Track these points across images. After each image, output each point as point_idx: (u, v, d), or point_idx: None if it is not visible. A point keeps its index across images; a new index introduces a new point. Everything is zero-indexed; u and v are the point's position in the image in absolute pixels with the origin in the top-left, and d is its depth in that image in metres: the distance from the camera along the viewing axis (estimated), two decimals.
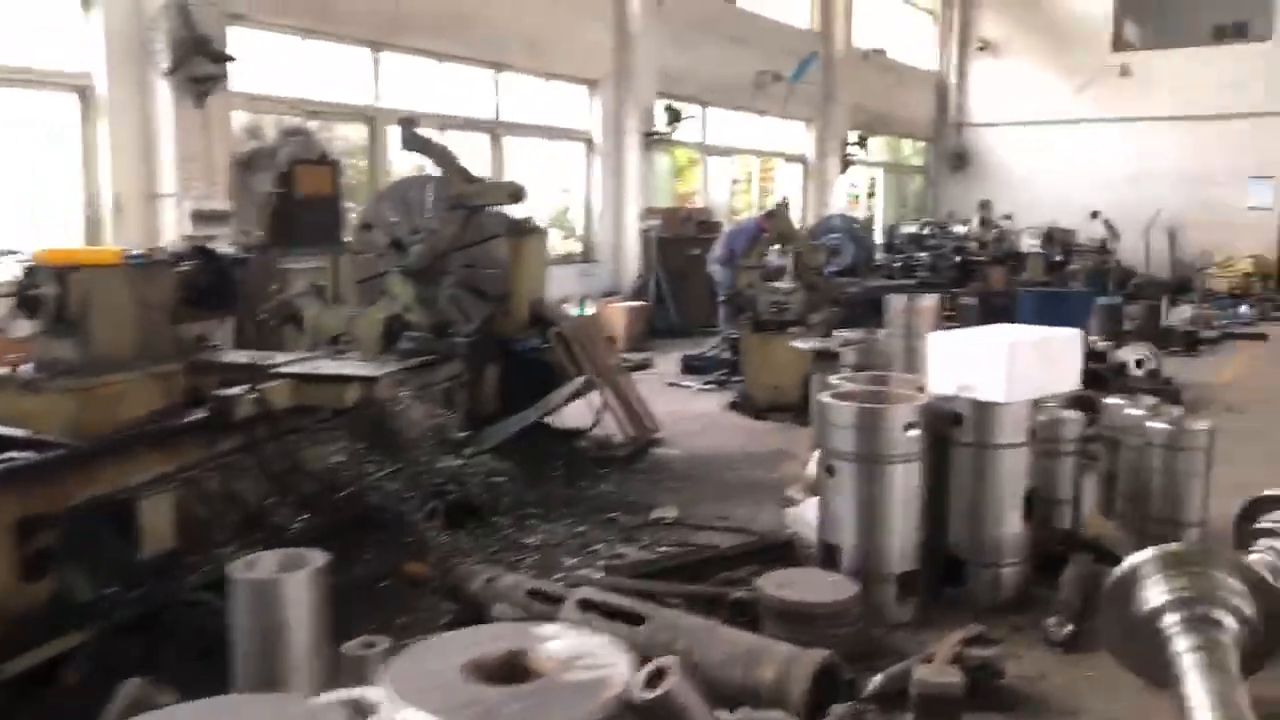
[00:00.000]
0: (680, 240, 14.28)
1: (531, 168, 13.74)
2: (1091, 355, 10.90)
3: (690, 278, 13.79)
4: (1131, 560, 3.71)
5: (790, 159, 19.28)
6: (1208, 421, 5.29)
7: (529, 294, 7.82)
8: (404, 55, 11.40)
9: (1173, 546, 3.74)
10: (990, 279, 14.92)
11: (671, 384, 10.35)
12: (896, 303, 5.84)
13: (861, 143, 19.49)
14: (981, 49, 24.45)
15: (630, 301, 13.43)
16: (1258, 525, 4.33)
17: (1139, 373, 10.37)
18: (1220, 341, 14.02)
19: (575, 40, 13.42)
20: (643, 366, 11.45)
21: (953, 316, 14.64)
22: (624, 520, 5.70)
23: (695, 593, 4.26)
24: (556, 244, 14.43)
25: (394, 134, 7.50)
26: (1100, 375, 9.29)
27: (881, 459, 4.33)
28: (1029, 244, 21.41)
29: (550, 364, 7.19)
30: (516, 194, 6.36)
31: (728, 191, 17.23)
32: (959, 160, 24.91)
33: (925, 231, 16.71)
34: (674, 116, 14.20)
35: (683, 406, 9.25)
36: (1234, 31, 22.81)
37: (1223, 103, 21.72)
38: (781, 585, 4.02)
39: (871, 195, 23.23)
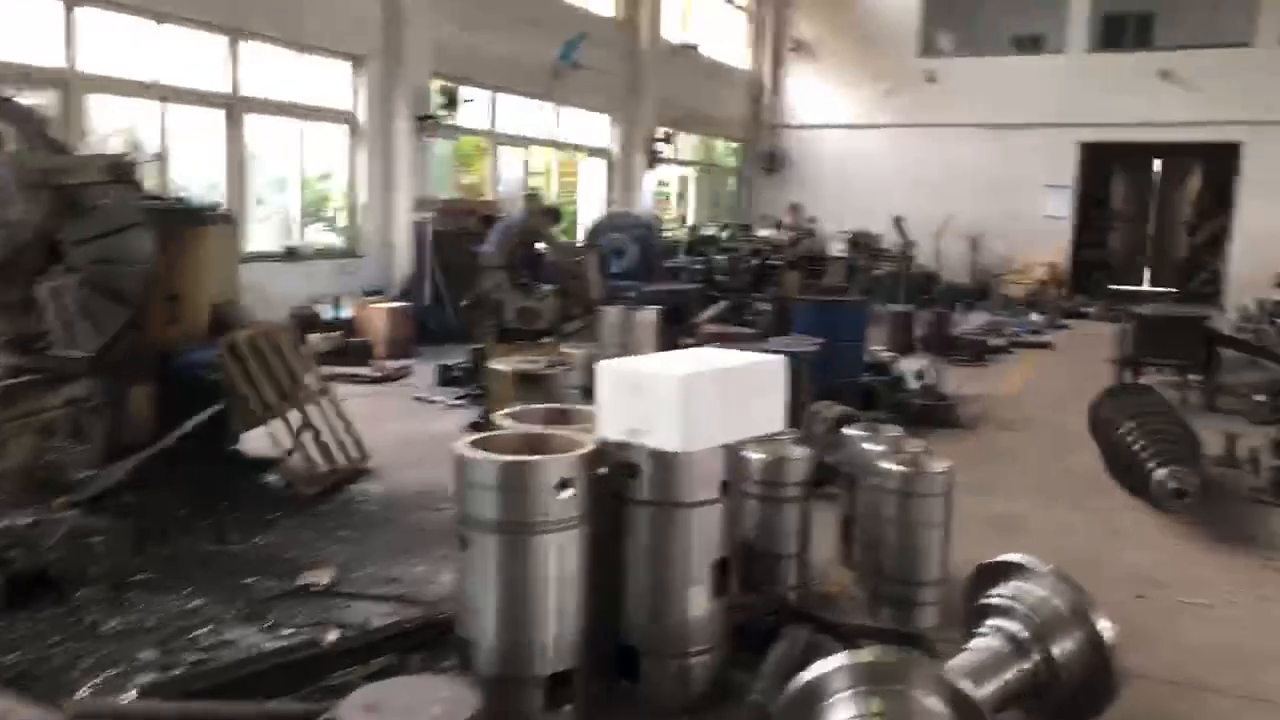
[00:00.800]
0: (461, 235, 13.03)
1: (284, 151, 12.29)
2: (872, 367, 10.40)
3: (473, 276, 12.58)
4: (816, 672, 2.83)
5: (594, 153, 18.35)
6: (946, 462, 4.54)
7: (212, 296, 6.54)
8: (108, 11, 9.78)
9: (866, 655, 2.87)
10: (786, 284, 14.37)
11: (419, 399, 9.17)
12: (610, 316, 4.88)
13: (668, 139, 18.73)
14: (795, 50, 24.21)
15: (398, 302, 12.15)
16: (986, 600, 3.56)
17: (918, 385, 9.87)
18: (1008, 350, 13.88)
19: (335, 10, 12.04)
20: (394, 378, 10.28)
21: (750, 324, 14.08)
22: (259, 589, 4.53)
23: None
24: (316, 237, 13.02)
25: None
26: (873, 391, 8.66)
27: (528, 527, 3.33)
28: (837, 249, 21.36)
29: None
30: (121, 169, 5.07)
31: (522, 185, 16.12)
32: (773, 162, 24.62)
33: (724, 234, 16.03)
34: (450, 99, 13.00)
35: (421, 427, 8.08)
36: (1031, 44, 23.32)
37: (1021, 112, 22.13)
38: (371, 708, 2.96)
39: (683, 196, 22.60)
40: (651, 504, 3.56)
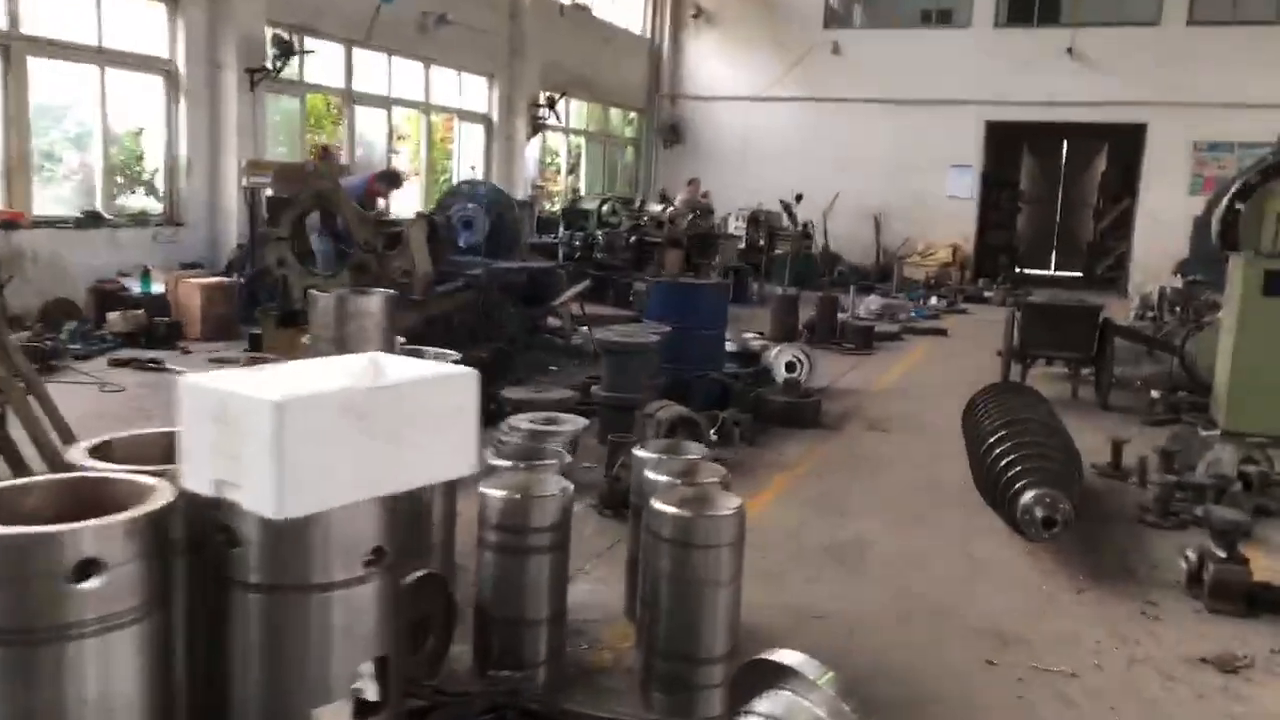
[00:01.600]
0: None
1: (87, 102, 10.78)
2: (740, 357, 9.39)
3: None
4: None
5: (471, 117, 17.03)
6: (735, 501, 3.48)
7: None
8: None
9: None
10: (666, 264, 13.30)
11: None
12: (321, 304, 3.73)
13: (552, 105, 17.49)
14: (696, 16, 23.10)
15: (225, 276, 10.77)
16: (746, 712, 2.51)
17: (791, 378, 8.89)
18: (899, 337, 13.03)
19: None
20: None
21: (629, 305, 13.01)
22: None
23: None
24: (130, 201, 11.54)
25: None
26: (727, 386, 7.64)
27: (33, 635, 2.17)
28: (735, 226, 20.40)
29: None
30: None
31: (385, 149, 14.77)
32: (673, 134, 23.53)
33: (605, 208, 14.90)
34: (285, 50, 11.59)
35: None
36: (939, 17, 22.56)
37: (927, 88, 21.39)
38: None
39: (575, 167, 21.38)
40: (260, 588, 2.43)
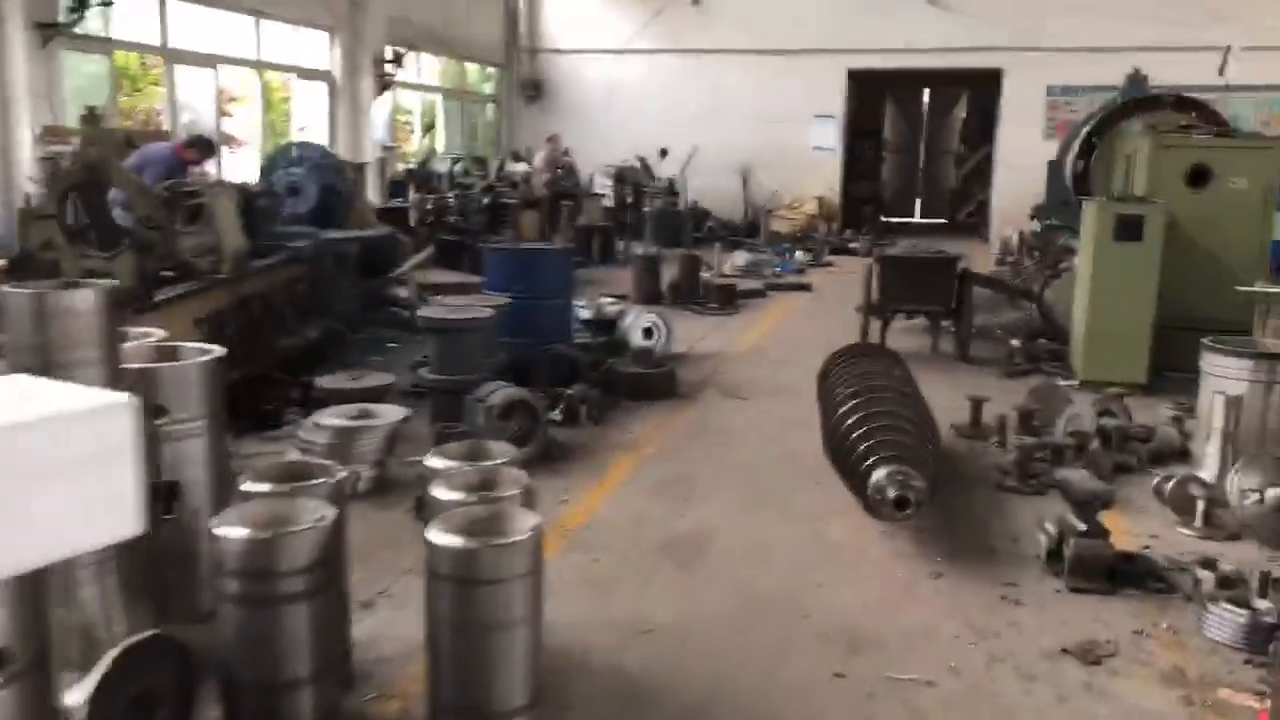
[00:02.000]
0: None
1: None
2: (597, 325, 8.87)
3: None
4: None
5: (311, 75, 15.90)
6: (531, 521, 2.94)
7: None
8: None
9: None
10: (523, 227, 12.64)
11: None
12: (15, 303, 3.01)
13: (399, 60, 16.47)
14: None
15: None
16: None
17: (645, 345, 8.41)
18: (762, 294, 12.70)
19: None
20: None
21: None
22: None
23: None
24: None
25: None
26: (574, 363, 7.09)
27: None
28: (602, 184, 19.79)
29: None
30: None
31: (214, 112, 13.61)
32: (534, 90, 22.68)
33: (457, 168, 14.10)
34: (80, 1, 10.39)
35: None
36: None
37: (788, 38, 21.08)
38: None
39: (432, 127, 20.37)
40: None
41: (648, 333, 8.55)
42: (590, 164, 19.96)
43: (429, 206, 13.57)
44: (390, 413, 5.35)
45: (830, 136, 21.68)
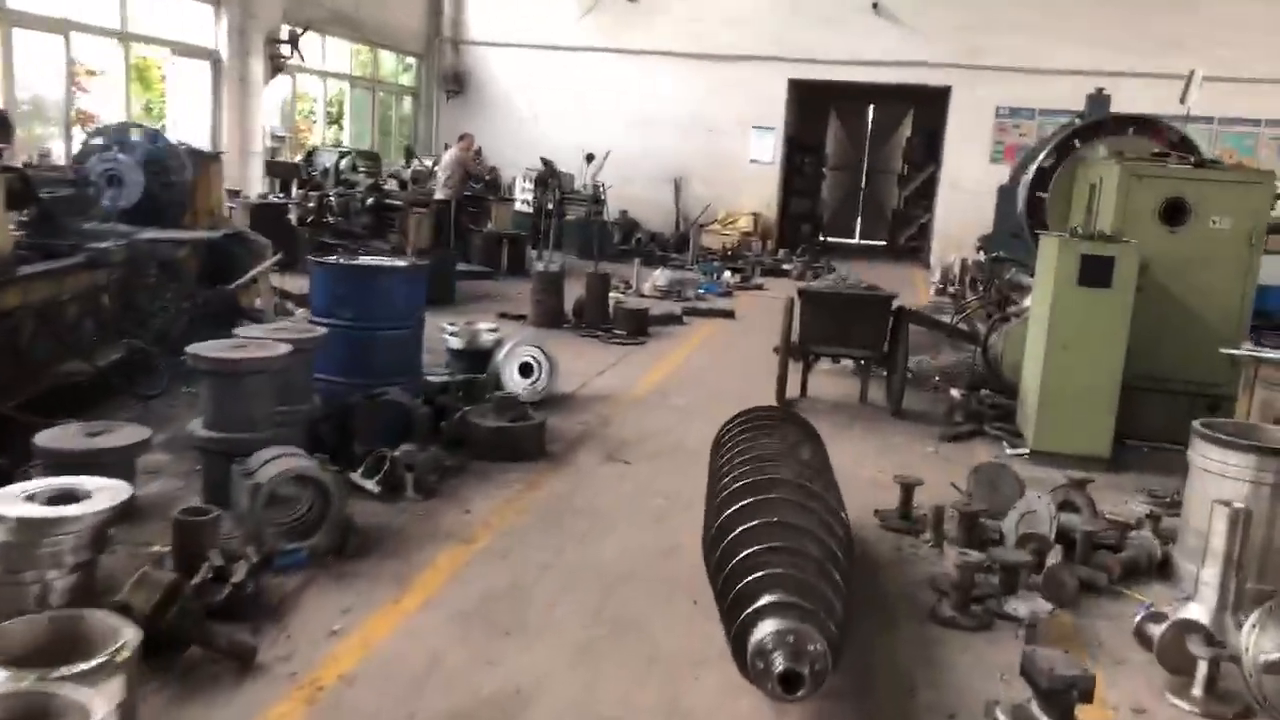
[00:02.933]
0: None
1: None
2: (470, 358, 7.44)
3: None
4: None
5: (191, 52, 14.22)
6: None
7: None
8: None
9: None
10: (411, 231, 11.15)
11: None
12: None
13: (294, 41, 14.87)
14: None
15: None
16: None
17: (526, 386, 7.03)
18: (679, 320, 11.35)
19: None
20: None
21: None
22: None
23: None
24: None
25: None
26: (409, 414, 5.65)
27: None
28: (523, 188, 18.39)
29: None
30: None
31: (64, 85, 11.90)
32: (456, 84, 21.18)
33: (343, 163, 12.55)
34: None
35: None
36: None
37: (729, 42, 19.87)
38: None
39: (339, 119, 18.75)
40: None
41: (525, 369, 7.15)
42: (515, 167, 18.56)
43: (311, 205, 12.04)
44: (108, 492, 3.86)
45: (769, 149, 20.50)
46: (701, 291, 13.75)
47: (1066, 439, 6.45)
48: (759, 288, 15.09)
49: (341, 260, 6.01)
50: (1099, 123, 8.60)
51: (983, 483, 5.42)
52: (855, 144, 27.84)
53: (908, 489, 5.16)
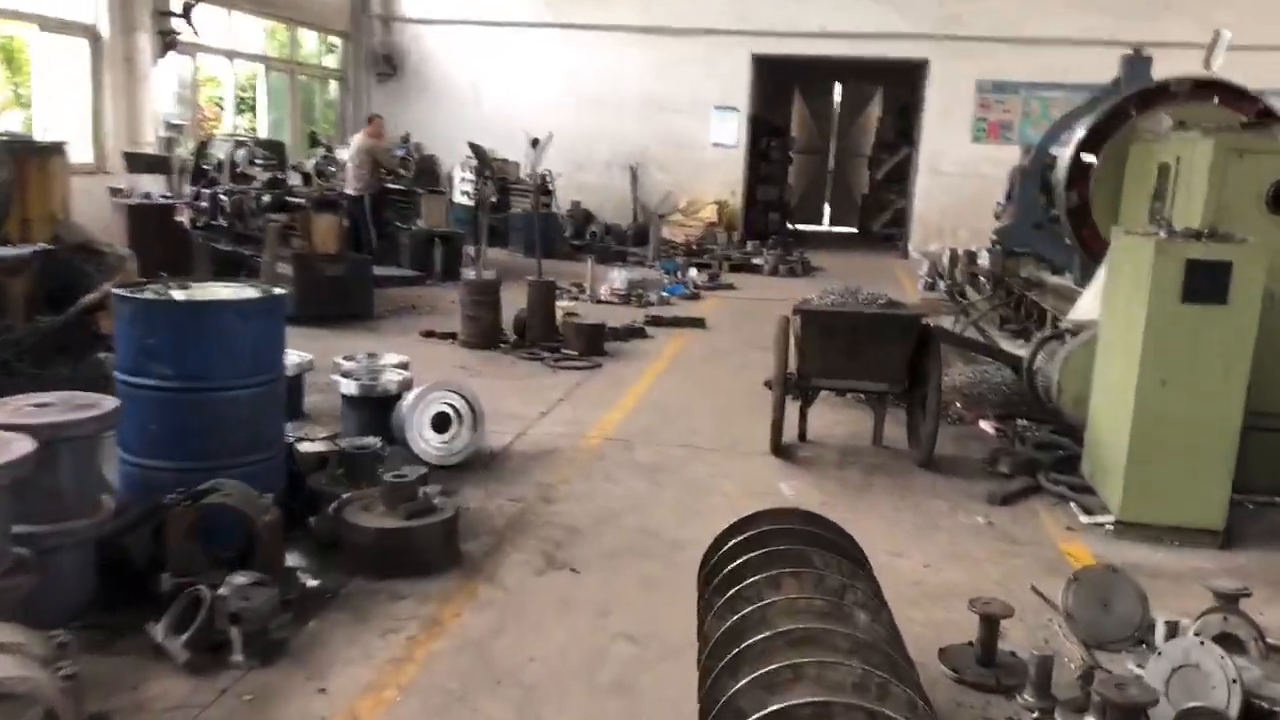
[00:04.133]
0: None
1: None
2: (370, 407, 5.65)
3: None
4: None
5: (65, 29, 12.19)
6: None
7: None
8: None
9: None
10: (315, 234, 9.30)
11: None
12: None
13: (187, 14, 12.88)
14: None
15: None
16: None
17: (441, 446, 5.29)
18: (643, 333, 9.60)
19: None
20: None
21: None
22: None
23: None
24: None
25: None
26: (248, 523, 3.85)
27: None
28: (463, 178, 16.56)
29: None
30: None
31: None
32: (388, 66, 19.22)
33: (239, 154, 10.64)
34: None
35: None
36: None
37: (687, 15, 18.11)
38: None
39: (250, 105, 16.73)
40: None
41: (441, 422, 5.39)
42: (456, 155, 16.68)
43: (204, 205, 10.14)
44: None
45: (732, 132, 18.78)
46: (665, 294, 12.02)
47: (1167, 506, 4.81)
48: (729, 287, 13.39)
49: (154, 293, 4.19)
50: (1160, 88, 6.95)
51: (1087, 597, 3.76)
52: (821, 125, 26.28)
53: (990, 625, 3.47)
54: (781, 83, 22.39)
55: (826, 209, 26.23)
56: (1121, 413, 4.89)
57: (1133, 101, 6.94)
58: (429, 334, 8.90)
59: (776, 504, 5.01)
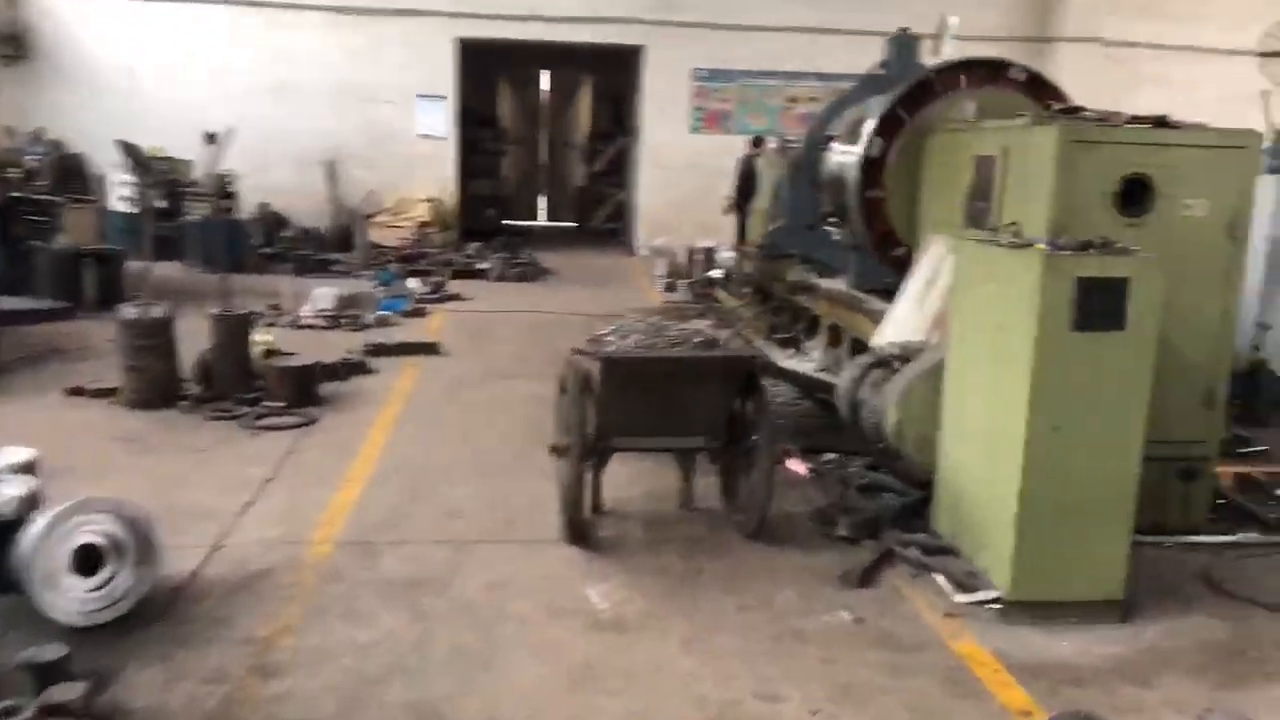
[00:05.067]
0: None
1: None
2: None
3: None
4: None
5: None
6: None
7: None
8: None
9: None
10: None
11: None
12: None
13: None
14: None
15: None
16: None
17: (90, 598, 3.48)
18: (364, 368, 7.91)
19: None
20: None
21: None
22: None
23: None
24: None
25: None
26: None
27: None
28: (121, 182, 13.89)
29: None
30: None
31: None
32: (13, 47, 15.88)
33: None
34: None
35: None
36: None
37: None
38: None
39: None
40: None
41: (89, 560, 3.60)
42: (111, 155, 13.95)
43: None
44: None
45: (441, 122, 17.11)
46: (384, 311, 10.30)
47: (1061, 578, 3.95)
48: (456, 297, 11.84)
49: None
50: (951, 67, 6.20)
51: None
52: (531, 115, 25.06)
53: None
54: (488, 70, 20.94)
55: (542, 203, 25.09)
56: (1003, 467, 3.97)
57: (926, 86, 6.16)
58: (77, 391, 6.77)
59: (589, 623, 3.69)
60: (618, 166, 20.88)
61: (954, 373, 4.48)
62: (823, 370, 6.28)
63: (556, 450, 4.63)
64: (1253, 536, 4.88)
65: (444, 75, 16.92)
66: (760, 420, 4.43)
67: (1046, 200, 4.58)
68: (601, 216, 21.12)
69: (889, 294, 6.98)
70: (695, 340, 4.43)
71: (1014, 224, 4.45)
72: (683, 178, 17.26)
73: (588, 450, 4.42)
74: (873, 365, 5.18)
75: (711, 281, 12.62)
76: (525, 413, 6.64)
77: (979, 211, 5.26)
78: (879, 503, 5.03)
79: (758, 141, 14.41)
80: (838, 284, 7.59)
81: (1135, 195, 4.62)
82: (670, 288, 13.08)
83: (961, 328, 4.44)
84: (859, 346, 7.07)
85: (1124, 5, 16.93)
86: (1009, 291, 3.97)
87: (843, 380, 5.42)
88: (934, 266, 5.51)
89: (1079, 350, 3.79)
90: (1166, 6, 17.15)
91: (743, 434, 4.65)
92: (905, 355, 5.02)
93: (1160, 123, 4.69)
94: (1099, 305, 3.76)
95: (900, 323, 5.54)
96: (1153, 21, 16.98)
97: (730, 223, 14.79)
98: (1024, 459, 3.85)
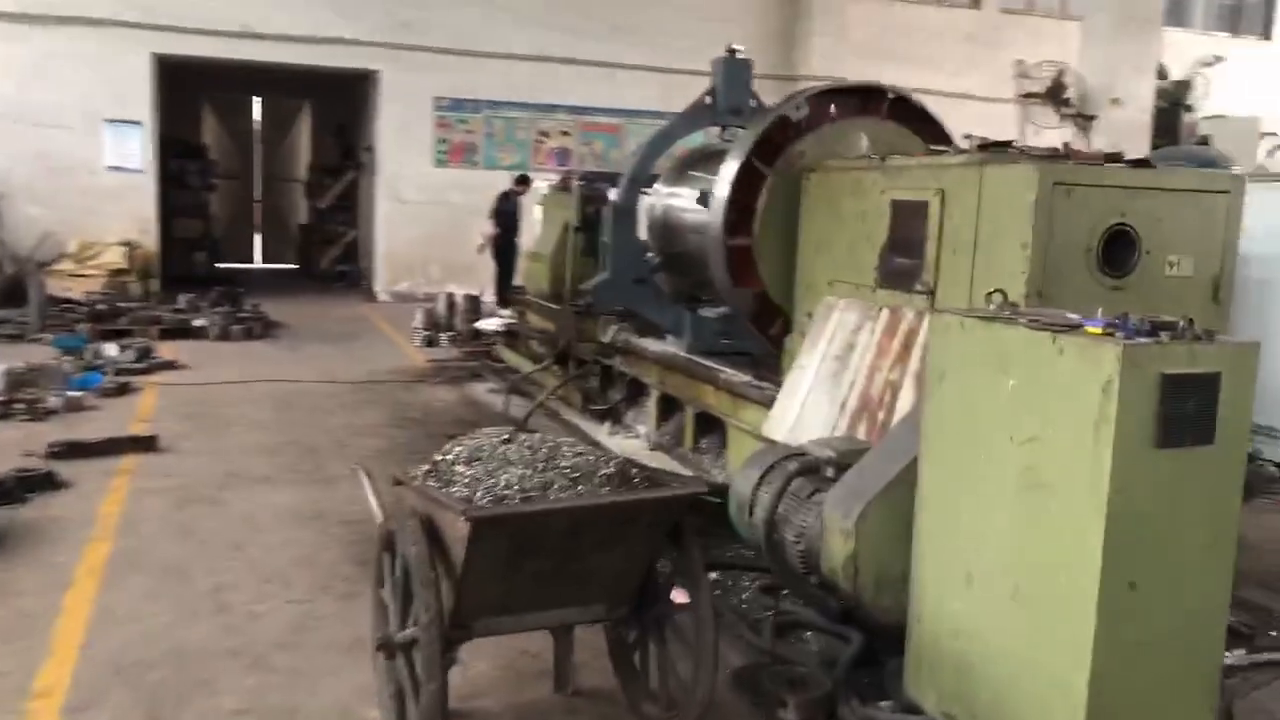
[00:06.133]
0: None
1: None
2: None
3: None
4: None
5: None
6: None
7: None
8: None
9: None
10: None
11: None
12: None
13: None
14: None
15: None
16: None
17: None
18: (53, 479, 5.77)
19: None
20: None
21: None
22: None
23: None
24: None
25: None
26: None
27: None
28: None
29: None
30: None
31: None
32: None
33: None
34: None
35: None
36: None
37: (65, 1, 13.58)
38: None
39: None
40: None
41: None
42: None
43: None
44: None
45: (136, 152, 14.49)
46: (75, 392, 7.99)
47: None
48: (170, 365, 9.59)
49: None
50: (830, 92, 5.14)
51: None
52: (240, 145, 22.44)
53: None
54: (190, 93, 18.36)
55: (258, 243, 22.45)
56: (1058, 636, 2.83)
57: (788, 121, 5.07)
58: None
59: None
60: (348, 203, 18.84)
61: (938, 493, 3.33)
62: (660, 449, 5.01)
63: (381, 650, 3.02)
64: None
65: (139, 97, 14.37)
66: (699, 583, 3.06)
67: (1023, 258, 3.58)
68: (329, 257, 18.93)
69: (732, 357, 5.90)
70: (603, 471, 2.99)
71: (998, 291, 3.37)
72: (427, 214, 15.67)
73: (445, 644, 2.86)
74: (793, 475, 3.94)
75: (479, 334, 11.15)
76: (294, 537, 4.91)
77: (902, 270, 4.20)
78: (819, 659, 3.80)
79: (523, 180, 13.14)
80: (667, 346, 6.42)
81: (1118, 251, 3.72)
82: (430, 342, 11.41)
83: (954, 433, 3.28)
84: (707, 424, 5.92)
85: (863, 47, 17.17)
86: (1051, 392, 2.85)
87: (742, 487, 4.15)
88: (845, 339, 4.40)
89: (1161, 474, 2.73)
90: (901, 51, 17.58)
91: (655, 594, 3.27)
92: (842, 462, 3.83)
93: (1140, 163, 3.81)
94: (1188, 411, 2.72)
95: (807, 411, 4.37)
96: (889, 65, 17.30)
97: (486, 263, 13.39)
98: (1096, 628, 2.73)
